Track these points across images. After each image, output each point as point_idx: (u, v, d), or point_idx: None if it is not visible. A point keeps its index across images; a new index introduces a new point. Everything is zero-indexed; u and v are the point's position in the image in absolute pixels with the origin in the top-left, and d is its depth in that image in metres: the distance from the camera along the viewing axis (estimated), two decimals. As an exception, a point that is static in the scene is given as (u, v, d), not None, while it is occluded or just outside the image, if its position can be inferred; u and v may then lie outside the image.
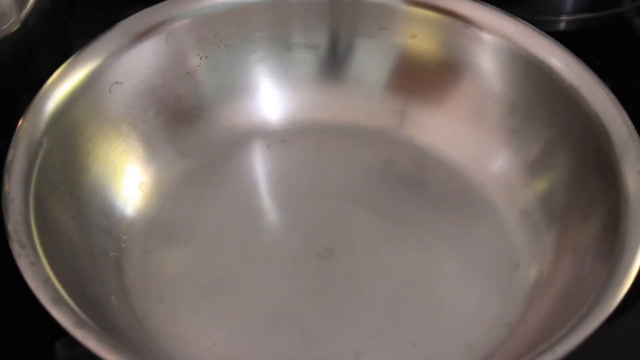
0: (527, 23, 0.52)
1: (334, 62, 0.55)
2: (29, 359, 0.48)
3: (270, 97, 0.55)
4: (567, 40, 0.51)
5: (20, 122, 0.46)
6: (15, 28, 0.49)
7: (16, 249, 0.41)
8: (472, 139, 0.53)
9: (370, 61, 0.54)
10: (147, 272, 0.48)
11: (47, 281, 0.40)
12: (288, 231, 0.51)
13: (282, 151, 0.54)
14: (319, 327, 0.46)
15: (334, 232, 0.50)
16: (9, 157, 0.45)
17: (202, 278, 0.48)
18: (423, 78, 0.54)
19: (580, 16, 0.62)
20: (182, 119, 0.53)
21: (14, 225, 0.42)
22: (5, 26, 0.49)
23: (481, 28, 0.52)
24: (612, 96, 0.48)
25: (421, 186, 0.52)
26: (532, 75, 0.51)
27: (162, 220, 0.50)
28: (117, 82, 0.50)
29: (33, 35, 0.51)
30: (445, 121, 0.54)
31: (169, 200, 0.51)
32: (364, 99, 0.54)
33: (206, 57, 0.53)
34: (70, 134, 0.48)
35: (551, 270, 0.48)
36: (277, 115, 0.55)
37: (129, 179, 0.50)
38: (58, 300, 0.40)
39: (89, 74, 0.49)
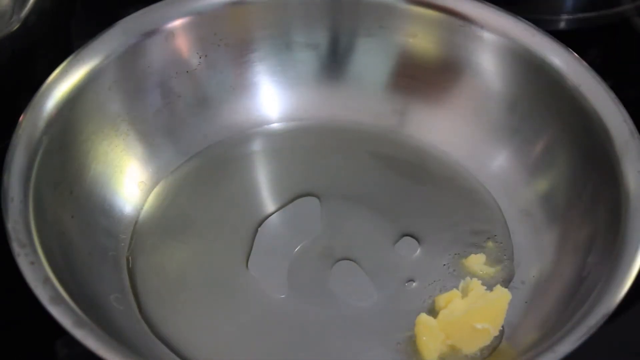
0: (527, 22, 0.52)
1: (334, 62, 0.55)
2: (29, 358, 0.48)
3: (270, 97, 0.55)
4: (568, 39, 0.51)
5: (20, 120, 0.46)
6: (16, 27, 0.49)
7: (16, 248, 0.41)
8: (472, 137, 0.53)
9: (371, 60, 0.54)
10: (147, 272, 0.48)
11: (46, 280, 0.40)
12: (288, 230, 0.51)
13: (282, 151, 0.54)
14: (319, 327, 0.46)
15: (334, 231, 0.50)
16: (9, 155, 0.44)
17: (202, 278, 0.48)
18: (423, 77, 0.54)
19: (580, 15, 0.62)
20: (181, 118, 0.53)
21: (13, 224, 0.42)
22: (6, 26, 0.49)
23: (481, 26, 0.52)
24: (613, 95, 0.48)
25: (422, 185, 0.52)
26: (532, 74, 0.51)
27: (161, 219, 0.50)
28: (116, 81, 0.50)
29: (33, 34, 0.50)
30: (446, 120, 0.54)
31: (168, 199, 0.51)
32: (364, 98, 0.54)
33: (206, 56, 0.53)
34: (69, 133, 0.48)
35: (552, 270, 0.48)
36: (277, 114, 0.55)
37: (128, 178, 0.50)
38: (57, 300, 0.40)
39: (89, 73, 0.49)
